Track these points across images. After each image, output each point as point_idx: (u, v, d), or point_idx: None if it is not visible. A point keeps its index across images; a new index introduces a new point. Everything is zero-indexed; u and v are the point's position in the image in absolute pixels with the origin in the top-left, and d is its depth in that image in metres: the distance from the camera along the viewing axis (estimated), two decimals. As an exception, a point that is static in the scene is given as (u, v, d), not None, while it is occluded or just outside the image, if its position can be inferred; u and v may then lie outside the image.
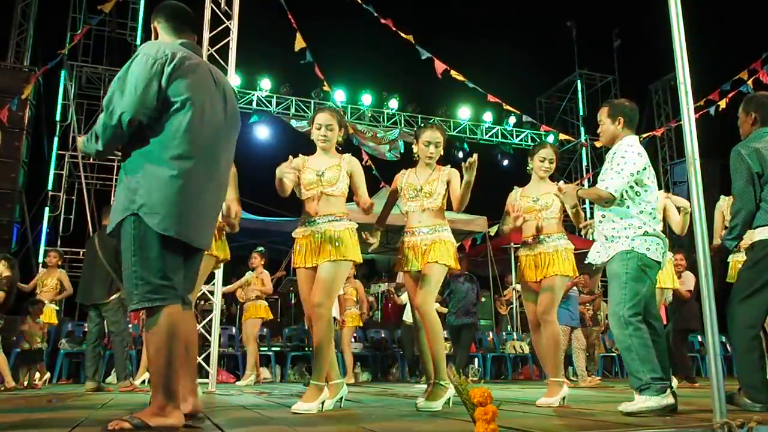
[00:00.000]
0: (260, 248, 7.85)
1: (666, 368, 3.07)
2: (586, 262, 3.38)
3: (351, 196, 3.60)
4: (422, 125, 3.99)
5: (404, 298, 8.85)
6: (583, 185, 14.67)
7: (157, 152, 2.27)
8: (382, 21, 7.52)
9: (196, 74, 2.38)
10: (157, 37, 2.55)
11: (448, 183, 3.72)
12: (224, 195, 2.62)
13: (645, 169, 3.20)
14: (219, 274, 5.81)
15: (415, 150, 3.86)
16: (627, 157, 3.17)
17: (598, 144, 12.69)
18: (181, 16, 2.58)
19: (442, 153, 3.82)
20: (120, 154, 2.40)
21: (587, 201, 14.66)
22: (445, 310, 8.03)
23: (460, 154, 13.47)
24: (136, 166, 2.28)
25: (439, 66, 7.62)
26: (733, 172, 3.35)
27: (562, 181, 3.52)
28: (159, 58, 2.28)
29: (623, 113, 3.31)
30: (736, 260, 5.37)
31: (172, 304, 2.25)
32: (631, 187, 3.18)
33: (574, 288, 7.85)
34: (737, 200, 3.33)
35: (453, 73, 7.83)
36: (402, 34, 7.53)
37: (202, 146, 2.35)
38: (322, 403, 3.27)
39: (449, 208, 3.77)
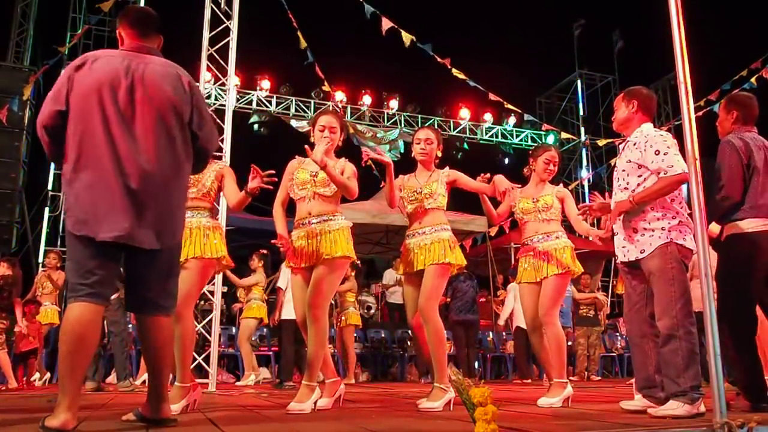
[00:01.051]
0: (262, 251, 7.76)
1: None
2: (618, 261, 3.15)
3: (347, 197, 3.57)
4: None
5: (397, 296, 8.86)
6: (582, 186, 14.62)
7: (65, 160, 2.37)
8: (383, 19, 7.52)
9: (98, 72, 2.38)
10: (122, 44, 2.59)
11: (451, 183, 3.71)
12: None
13: None
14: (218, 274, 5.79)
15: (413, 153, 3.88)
16: (666, 138, 3.00)
17: (600, 143, 12.72)
18: (144, 20, 2.60)
19: (438, 154, 3.82)
20: None
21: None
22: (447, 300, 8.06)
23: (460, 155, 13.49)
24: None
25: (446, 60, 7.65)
26: (723, 160, 3.22)
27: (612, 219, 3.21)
28: (73, 65, 2.39)
29: (638, 97, 3.19)
30: None
31: (79, 302, 2.30)
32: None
33: (571, 287, 7.86)
34: (726, 186, 3.18)
35: (454, 71, 7.83)
36: (403, 33, 7.53)
37: (97, 144, 2.33)
38: (315, 402, 3.27)
39: (454, 209, 3.76)
